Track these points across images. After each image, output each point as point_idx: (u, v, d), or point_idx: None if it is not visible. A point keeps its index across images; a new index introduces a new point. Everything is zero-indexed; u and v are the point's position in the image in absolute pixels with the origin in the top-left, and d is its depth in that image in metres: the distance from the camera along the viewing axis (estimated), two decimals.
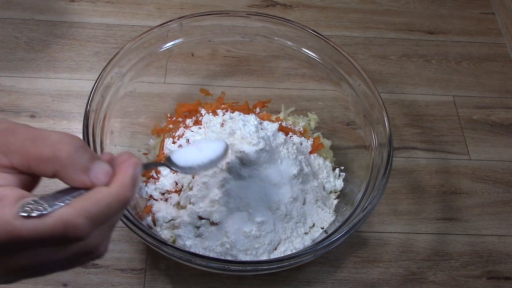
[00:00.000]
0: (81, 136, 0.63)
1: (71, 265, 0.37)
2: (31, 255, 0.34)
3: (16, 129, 0.36)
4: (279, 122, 0.75)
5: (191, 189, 0.68)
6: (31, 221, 0.32)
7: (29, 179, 0.37)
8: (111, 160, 0.40)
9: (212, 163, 0.56)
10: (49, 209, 0.33)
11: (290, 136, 0.75)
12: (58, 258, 0.35)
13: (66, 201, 0.34)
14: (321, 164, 0.75)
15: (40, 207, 0.33)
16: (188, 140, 0.73)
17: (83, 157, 0.36)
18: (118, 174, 0.38)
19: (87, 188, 0.37)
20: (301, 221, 0.69)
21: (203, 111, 0.77)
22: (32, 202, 0.33)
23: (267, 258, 0.66)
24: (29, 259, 0.34)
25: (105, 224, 0.36)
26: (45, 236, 0.32)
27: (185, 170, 0.54)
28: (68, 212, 0.33)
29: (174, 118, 0.79)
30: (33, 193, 0.36)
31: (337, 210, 0.73)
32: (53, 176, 0.36)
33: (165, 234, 0.68)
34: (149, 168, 0.46)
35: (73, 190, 0.36)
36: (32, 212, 0.32)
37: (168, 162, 0.53)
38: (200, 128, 0.74)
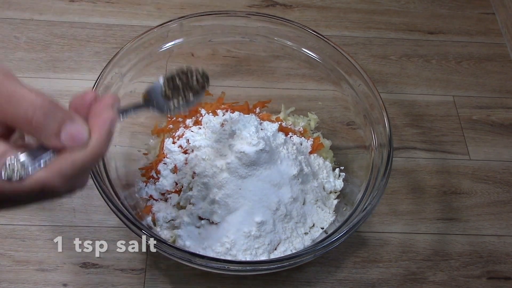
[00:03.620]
0: None
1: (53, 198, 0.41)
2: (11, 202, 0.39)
3: None
4: (279, 122, 0.75)
5: (191, 189, 0.68)
6: (12, 184, 0.36)
7: (9, 129, 0.39)
8: (92, 102, 0.41)
9: (190, 102, 0.55)
10: (29, 171, 0.36)
11: (290, 136, 0.75)
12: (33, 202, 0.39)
13: (46, 158, 0.37)
14: (321, 164, 0.75)
15: (21, 169, 0.36)
16: (188, 140, 0.73)
17: (53, 122, 0.37)
18: (93, 130, 0.39)
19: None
20: (301, 221, 0.69)
21: (203, 111, 0.77)
22: (14, 161, 0.36)
23: (267, 258, 0.65)
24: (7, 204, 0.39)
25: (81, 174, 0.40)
26: (23, 194, 0.37)
27: (163, 109, 0.54)
28: (45, 175, 0.37)
29: (174, 118, 0.79)
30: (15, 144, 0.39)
31: (337, 210, 0.73)
32: (30, 134, 0.38)
33: (165, 234, 0.68)
34: (127, 114, 0.45)
35: None
36: (13, 176, 0.36)
37: (147, 97, 0.53)
38: (200, 128, 0.74)
